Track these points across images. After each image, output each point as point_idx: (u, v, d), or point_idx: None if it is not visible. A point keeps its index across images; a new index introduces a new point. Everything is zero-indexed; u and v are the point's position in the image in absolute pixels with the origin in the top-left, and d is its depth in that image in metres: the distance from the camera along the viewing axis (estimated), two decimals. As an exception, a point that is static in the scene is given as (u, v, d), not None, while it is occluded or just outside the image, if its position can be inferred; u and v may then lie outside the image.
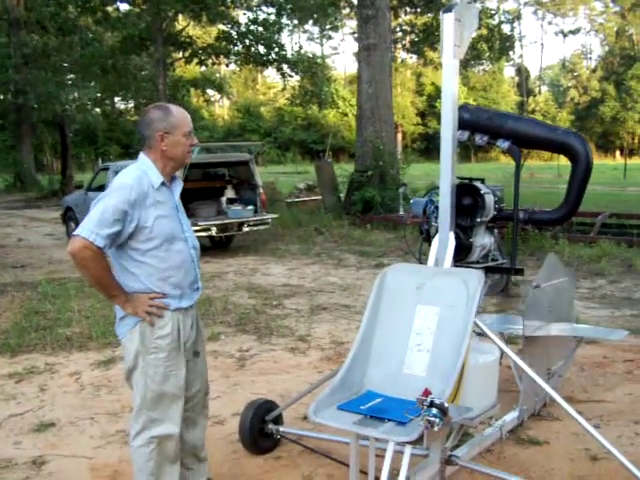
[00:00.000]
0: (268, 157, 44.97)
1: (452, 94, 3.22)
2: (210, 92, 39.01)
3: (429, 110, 53.24)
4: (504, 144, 3.49)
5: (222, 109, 63.87)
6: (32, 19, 27.16)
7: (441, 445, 2.92)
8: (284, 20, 26.58)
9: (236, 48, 24.96)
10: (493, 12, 27.08)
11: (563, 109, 56.65)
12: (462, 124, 3.42)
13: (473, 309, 2.84)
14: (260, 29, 24.18)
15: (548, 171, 32.04)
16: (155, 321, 2.69)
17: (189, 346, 2.83)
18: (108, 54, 24.28)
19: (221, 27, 25.48)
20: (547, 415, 4.05)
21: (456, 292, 2.93)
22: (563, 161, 21.65)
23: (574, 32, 65.04)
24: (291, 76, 26.20)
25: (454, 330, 2.84)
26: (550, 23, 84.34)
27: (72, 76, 29.33)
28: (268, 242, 12.29)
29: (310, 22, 37.16)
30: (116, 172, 10.54)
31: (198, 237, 3.02)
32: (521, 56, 63.67)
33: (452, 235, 3.32)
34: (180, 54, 26.07)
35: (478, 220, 3.55)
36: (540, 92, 64.31)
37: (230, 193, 11.56)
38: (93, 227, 2.53)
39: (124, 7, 25.37)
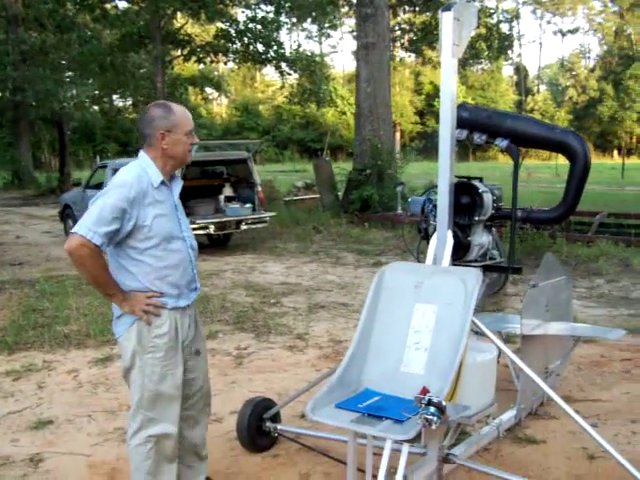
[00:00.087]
0: (266, 155, 44.98)
1: (451, 93, 3.22)
2: (208, 90, 39.00)
3: (427, 109, 53.26)
4: (502, 143, 3.49)
5: (220, 107, 63.79)
6: (30, 16, 27.11)
7: (439, 443, 2.92)
8: (283, 18, 26.59)
9: (234, 46, 24.95)
10: (492, 11, 27.06)
11: (561, 108, 56.67)
12: (461, 123, 3.42)
13: (471, 308, 2.84)
14: (259, 27, 24.16)
15: (546, 170, 32.09)
16: (152, 320, 2.68)
17: (187, 345, 2.82)
18: (106, 52, 24.24)
19: (220, 25, 25.45)
20: (544, 414, 4.06)
21: (454, 290, 2.93)
22: (561, 160, 21.67)
23: (573, 31, 65.17)
24: (289, 74, 26.20)
25: (452, 328, 2.84)
26: (549, 22, 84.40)
27: (70, 73, 29.28)
28: (266, 240, 12.29)
29: (309, 20, 37.18)
30: (114, 170, 10.62)
31: (196, 235, 3.01)
32: (520, 55, 63.74)
33: (450, 234, 3.32)
34: (178, 52, 26.05)
35: (476, 219, 3.55)
36: (538, 91, 64.33)
37: (228, 191, 11.55)
38: (91, 225, 2.52)
39: (122, 4, 25.57)
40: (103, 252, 2.60)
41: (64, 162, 27.27)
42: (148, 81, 26.41)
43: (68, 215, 12.59)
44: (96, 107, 40.95)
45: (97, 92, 33.69)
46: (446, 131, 3.26)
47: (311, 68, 25.51)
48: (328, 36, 61.56)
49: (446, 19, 3.13)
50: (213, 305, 7.07)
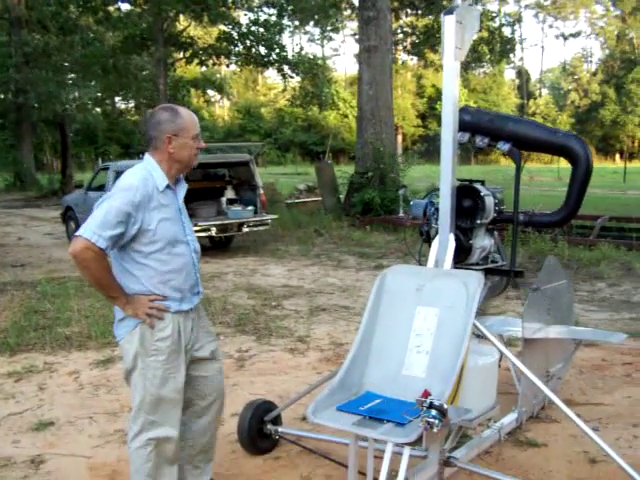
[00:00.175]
0: (268, 158, 45.00)
1: (453, 96, 3.23)
2: (210, 92, 39.15)
3: (429, 112, 53.30)
4: (505, 146, 3.50)
5: (222, 110, 63.91)
6: (33, 18, 27.17)
7: (440, 446, 2.92)
8: (285, 21, 26.60)
9: (237, 49, 24.96)
10: (494, 15, 27.11)
11: (563, 112, 56.73)
12: (463, 126, 3.42)
13: (473, 311, 2.84)
14: (261, 30, 24.18)
15: (548, 174, 32.08)
16: (155, 323, 2.68)
17: (189, 349, 2.82)
18: (109, 54, 24.28)
19: (222, 28, 25.48)
20: (545, 417, 4.05)
21: (456, 294, 2.93)
22: (563, 164, 21.68)
23: (575, 35, 65.31)
24: (292, 77, 26.19)
25: (454, 332, 2.84)
26: (551, 26, 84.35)
27: (73, 75, 29.34)
28: (268, 243, 12.29)
29: (311, 23, 37.28)
30: (116, 172, 10.65)
31: (198, 237, 3.02)
32: (522, 59, 64.01)
33: (452, 237, 3.32)
34: (181, 54, 26.08)
35: (478, 222, 3.55)
36: (540, 95, 64.40)
37: (230, 194, 11.57)
38: (96, 228, 2.51)
39: (125, 7, 25.43)
40: (107, 255, 2.60)
41: (66, 164, 27.30)
42: (150, 83, 26.47)
43: (70, 217, 12.60)
44: (98, 109, 41.06)
45: (99, 94, 33.79)
46: (448, 134, 3.26)
47: (313, 71, 25.50)
48: (330, 39, 61.88)
49: (448, 22, 3.14)
50: (214, 307, 7.07)
